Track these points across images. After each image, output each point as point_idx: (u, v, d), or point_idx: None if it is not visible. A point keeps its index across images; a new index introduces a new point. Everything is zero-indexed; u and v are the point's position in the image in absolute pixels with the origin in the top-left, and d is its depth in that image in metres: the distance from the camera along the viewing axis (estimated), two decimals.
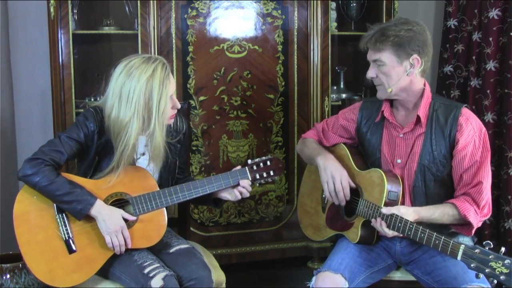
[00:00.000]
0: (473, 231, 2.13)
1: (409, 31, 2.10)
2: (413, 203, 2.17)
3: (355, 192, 2.25)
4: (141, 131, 2.12)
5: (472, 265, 1.82)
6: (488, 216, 2.14)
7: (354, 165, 2.28)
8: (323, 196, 2.38)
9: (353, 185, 2.23)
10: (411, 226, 1.98)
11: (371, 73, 2.19)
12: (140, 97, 2.08)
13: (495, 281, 1.79)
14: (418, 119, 2.17)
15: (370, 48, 2.16)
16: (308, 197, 2.49)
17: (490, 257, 1.79)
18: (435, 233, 1.93)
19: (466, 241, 2.19)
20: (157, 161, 2.18)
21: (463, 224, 2.12)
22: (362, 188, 2.21)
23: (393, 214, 2.02)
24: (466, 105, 2.19)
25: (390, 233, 2.05)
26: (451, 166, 2.15)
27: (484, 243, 1.83)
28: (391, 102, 2.26)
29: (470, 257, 1.82)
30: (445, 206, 2.11)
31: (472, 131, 2.12)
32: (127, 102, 2.08)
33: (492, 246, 1.82)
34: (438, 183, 2.17)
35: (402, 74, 2.13)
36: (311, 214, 2.45)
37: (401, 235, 2.04)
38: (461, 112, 2.14)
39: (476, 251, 1.82)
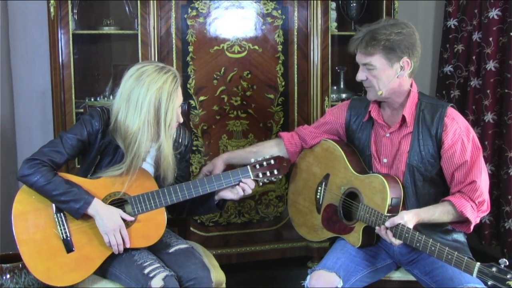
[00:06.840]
0: (472, 227, 2.12)
1: (399, 34, 2.10)
2: (405, 204, 2.16)
3: (352, 195, 2.24)
4: (150, 142, 2.13)
5: (489, 283, 1.81)
6: (486, 213, 2.13)
7: (350, 168, 2.26)
8: (317, 196, 2.38)
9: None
10: (419, 238, 1.96)
11: (361, 76, 2.19)
12: (150, 107, 2.08)
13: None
14: (404, 119, 2.17)
15: (360, 51, 2.15)
16: (300, 196, 2.48)
17: (507, 276, 1.77)
18: (447, 248, 1.92)
19: (459, 237, 2.19)
20: (168, 173, 2.18)
21: (462, 222, 2.11)
22: (362, 193, 2.20)
23: (399, 224, 2.01)
24: (452, 104, 2.19)
25: (397, 242, 2.04)
26: (440, 166, 2.15)
27: (499, 260, 1.81)
28: (379, 102, 2.25)
29: (486, 275, 1.81)
30: (443, 204, 2.10)
31: (458, 130, 2.11)
32: (135, 109, 2.08)
33: (507, 263, 1.80)
34: (427, 183, 2.17)
35: (393, 77, 2.13)
36: (305, 214, 2.44)
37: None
38: (447, 112, 2.14)
39: (493, 269, 1.80)
